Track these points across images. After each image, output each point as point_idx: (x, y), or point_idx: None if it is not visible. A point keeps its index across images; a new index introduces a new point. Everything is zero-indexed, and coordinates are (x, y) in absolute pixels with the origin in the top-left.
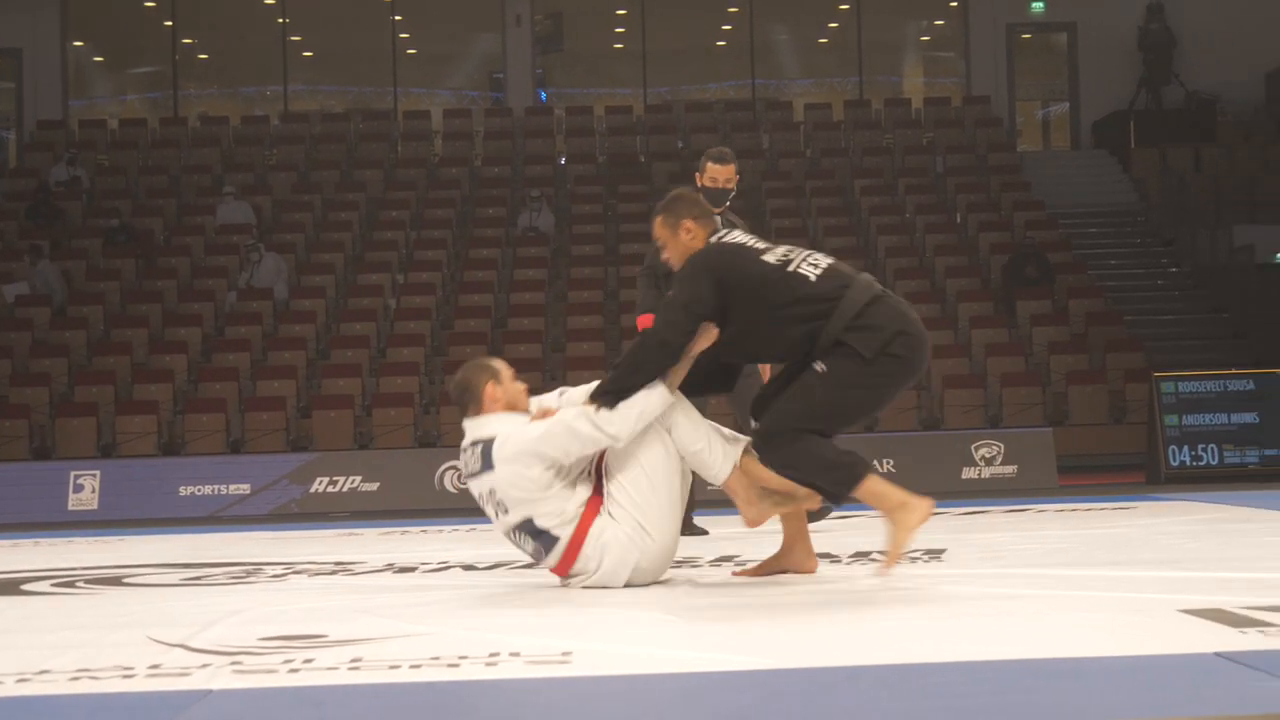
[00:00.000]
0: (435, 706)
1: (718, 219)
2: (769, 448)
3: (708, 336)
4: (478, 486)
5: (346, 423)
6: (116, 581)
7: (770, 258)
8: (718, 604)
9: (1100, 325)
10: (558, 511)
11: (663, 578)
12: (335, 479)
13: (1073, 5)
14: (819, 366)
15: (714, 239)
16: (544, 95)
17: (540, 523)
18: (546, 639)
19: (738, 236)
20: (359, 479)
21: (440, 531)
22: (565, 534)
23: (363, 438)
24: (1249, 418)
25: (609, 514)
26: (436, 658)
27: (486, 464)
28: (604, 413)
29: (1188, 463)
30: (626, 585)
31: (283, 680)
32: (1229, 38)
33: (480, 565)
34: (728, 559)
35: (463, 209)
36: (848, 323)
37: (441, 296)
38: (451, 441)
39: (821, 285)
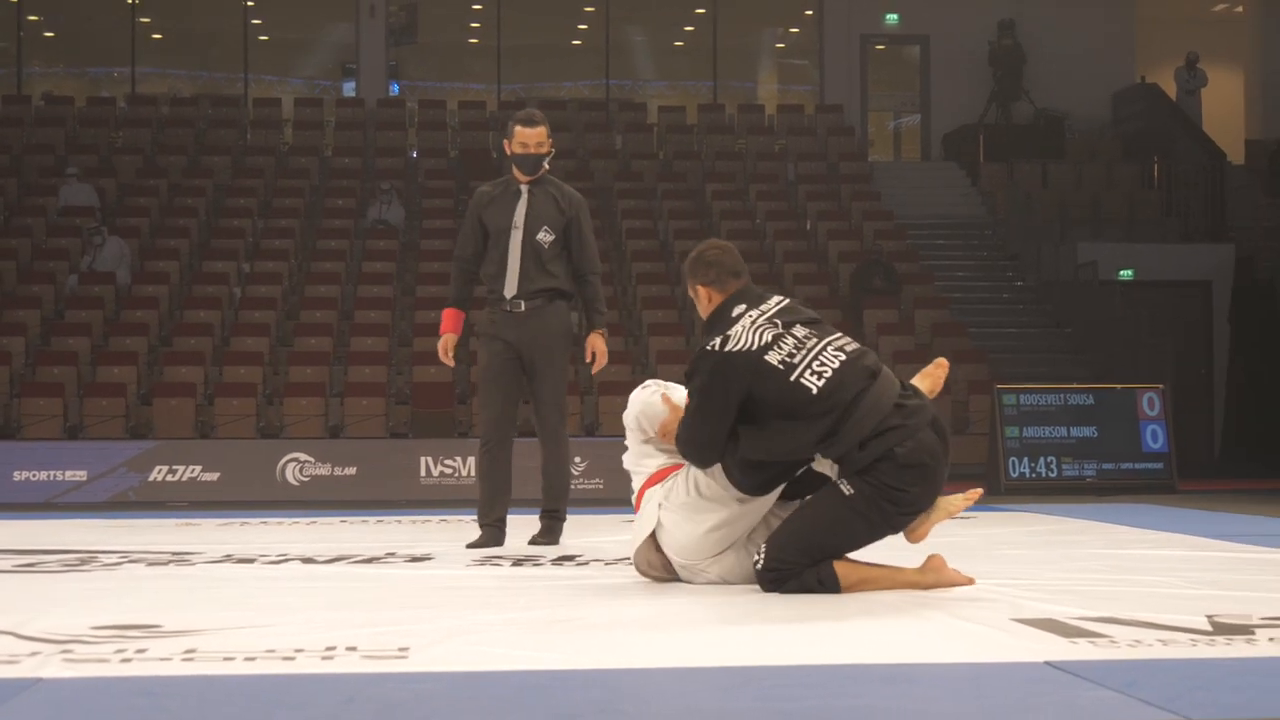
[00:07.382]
0: (269, 699)
1: (741, 279)
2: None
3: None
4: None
5: (188, 411)
6: None
7: (774, 358)
8: (558, 605)
9: (945, 336)
10: (636, 465)
11: (503, 576)
12: (175, 468)
13: (926, 18)
14: (845, 488)
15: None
16: (396, 87)
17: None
18: (383, 634)
19: (742, 334)
20: (199, 468)
21: (280, 524)
22: (636, 484)
23: (204, 427)
24: (1088, 431)
25: (662, 489)
26: (272, 650)
27: None
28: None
29: (1027, 474)
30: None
31: (115, 670)
32: (1078, 57)
33: (319, 559)
34: (569, 559)
35: (312, 199)
36: (854, 447)
37: (288, 286)
38: (294, 433)
39: (824, 399)
